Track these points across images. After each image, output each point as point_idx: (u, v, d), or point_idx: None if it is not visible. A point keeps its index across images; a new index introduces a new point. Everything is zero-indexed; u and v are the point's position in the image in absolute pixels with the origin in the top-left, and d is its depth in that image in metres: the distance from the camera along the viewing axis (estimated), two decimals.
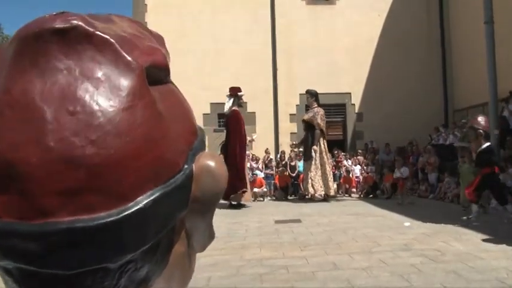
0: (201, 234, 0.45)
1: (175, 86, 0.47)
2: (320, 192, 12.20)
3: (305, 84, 16.03)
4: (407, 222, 7.76)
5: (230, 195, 11.33)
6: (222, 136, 17.79)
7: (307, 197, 12.66)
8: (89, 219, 0.35)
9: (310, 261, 5.30)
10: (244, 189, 11.39)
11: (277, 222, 8.57)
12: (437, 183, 13.24)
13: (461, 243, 5.98)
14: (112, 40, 0.39)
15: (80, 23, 0.38)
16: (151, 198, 0.37)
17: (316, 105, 12.53)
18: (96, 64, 0.38)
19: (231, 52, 17.27)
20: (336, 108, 18.06)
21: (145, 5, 17.39)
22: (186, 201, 0.41)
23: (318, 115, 12.26)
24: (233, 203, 11.45)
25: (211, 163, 0.43)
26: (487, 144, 7.33)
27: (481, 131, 7.23)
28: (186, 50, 16.94)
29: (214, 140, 17.78)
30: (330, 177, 12.42)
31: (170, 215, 0.39)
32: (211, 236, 0.46)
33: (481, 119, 7.38)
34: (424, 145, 15.40)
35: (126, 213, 0.36)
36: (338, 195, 14.07)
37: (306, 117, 12.55)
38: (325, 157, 12.30)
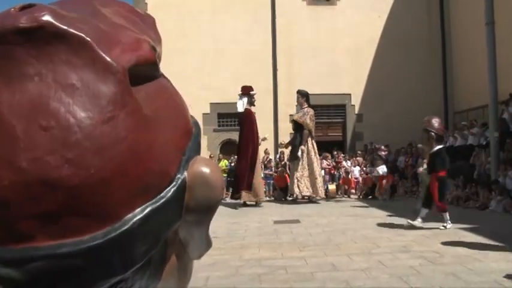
0: (196, 244, 0.42)
1: (166, 79, 0.43)
2: (305, 193, 12.12)
3: (305, 84, 16.00)
4: (406, 223, 7.75)
5: (242, 193, 11.44)
6: (222, 136, 17.85)
7: (290, 198, 12.61)
8: (72, 243, 0.32)
9: (309, 261, 5.30)
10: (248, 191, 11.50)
11: (276, 222, 8.56)
12: None
13: (460, 245, 5.98)
14: (88, 38, 0.34)
15: (50, 19, 0.34)
16: (140, 216, 0.34)
17: (306, 106, 12.49)
18: (71, 68, 0.34)
19: (231, 52, 17.27)
20: (336, 109, 18.07)
21: (146, 3, 17.39)
22: (179, 213, 0.38)
23: (308, 115, 12.21)
24: (248, 202, 11.58)
25: (206, 170, 0.39)
26: (439, 147, 7.30)
27: (433, 133, 7.19)
28: (185, 49, 16.95)
29: (213, 139, 17.79)
30: (320, 179, 12.31)
31: (161, 230, 0.36)
32: (208, 244, 0.43)
33: (434, 121, 7.34)
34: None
35: (112, 235, 0.33)
36: (337, 196, 14.07)
37: (296, 116, 12.52)
38: (313, 158, 12.19)
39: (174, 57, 16.50)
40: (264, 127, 17.30)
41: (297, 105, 17.42)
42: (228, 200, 12.34)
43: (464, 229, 7.16)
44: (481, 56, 12.54)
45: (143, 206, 0.35)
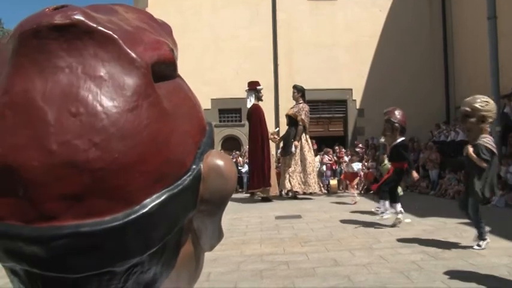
0: (209, 234, 0.44)
1: (183, 80, 0.45)
2: (297, 189, 12.05)
3: (306, 79, 15.98)
4: (408, 218, 7.73)
5: (257, 188, 11.52)
6: (224, 132, 17.85)
7: (286, 194, 12.57)
8: (93, 223, 0.34)
9: (311, 257, 5.30)
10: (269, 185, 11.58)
11: (277, 218, 8.56)
12: (438, 179, 13.23)
13: (462, 240, 5.97)
14: (115, 36, 0.37)
15: (81, 17, 0.37)
16: (158, 201, 0.37)
17: (302, 101, 12.45)
18: (99, 62, 0.37)
19: (231, 47, 17.25)
20: (337, 104, 18.05)
21: None
22: (194, 202, 0.40)
23: (303, 111, 12.17)
24: (262, 195, 11.71)
25: (220, 163, 0.42)
26: (401, 139, 7.25)
27: (397, 125, 7.13)
28: (186, 45, 16.91)
29: (215, 135, 17.62)
30: (313, 175, 12.22)
31: (177, 217, 0.39)
32: (220, 236, 0.46)
33: (397, 113, 7.25)
34: (425, 142, 15.38)
35: (132, 217, 0.35)
36: (339, 191, 14.06)
37: (290, 112, 12.45)
38: (306, 154, 12.12)
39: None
40: None
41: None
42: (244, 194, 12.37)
43: (466, 224, 7.15)
44: (483, 50, 12.50)
45: (161, 192, 0.37)
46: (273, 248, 5.85)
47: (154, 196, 0.36)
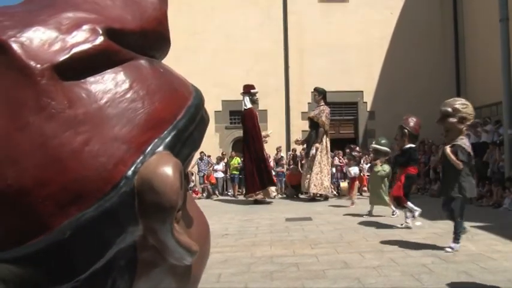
0: (167, 249, 0.38)
1: (147, 59, 0.39)
2: (315, 190, 12.15)
3: (317, 82, 15.95)
4: (419, 221, 7.70)
5: (252, 191, 11.55)
6: (234, 133, 17.87)
7: (303, 195, 12.59)
8: (3, 253, 0.32)
9: (321, 259, 5.30)
10: (269, 186, 11.59)
11: (288, 220, 8.57)
12: None
13: (473, 243, 5.93)
14: (10, 42, 0.33)
15: None
16: (75, 225, 0.33)
17: (323, 103, 12.52)
18: None
19: (242, 49, 17.27)
20: (348, 106, 18.00)
21: None
22: (131, 220, 0.35)
23: (324, 113, 12.25)
24: (256, 199, 11.74)
25: (153, 175, 0.35)
26: (409, 145, 7.34)
27: (406, 131, 7.24)
28: (197, 47, 17.00)
29: (226, 137, 17.82)
30: (328, 177, 12.35)
31: (108, 238, 0.34)
32: (185, 248, 0.38)
33: (411, 120, 7.44)
34: (437, 144, 15.28)
35: (41, 246, 0.32)
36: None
37: (312, 114, 12.55)
38: (323, 156, 12.21)
39: (185, 54, 16.55)
40: (275, 125, 17.33)
41: (309, 103, 17.46)
42: (241, 197, 12.39)
43: (478, 227, 7.11)
44: (495, 52, 12.40)
45: (79, 215, 0.33)
46: (283, 250, 5.86)
47: (70, 220, 0.33)
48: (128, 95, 0.36)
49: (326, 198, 12.43)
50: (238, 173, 15.50)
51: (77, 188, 0.33)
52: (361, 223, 7.88)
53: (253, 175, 11.57)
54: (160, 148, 0.36)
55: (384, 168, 8.58)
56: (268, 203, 11.62)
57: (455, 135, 5.46)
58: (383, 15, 17.63)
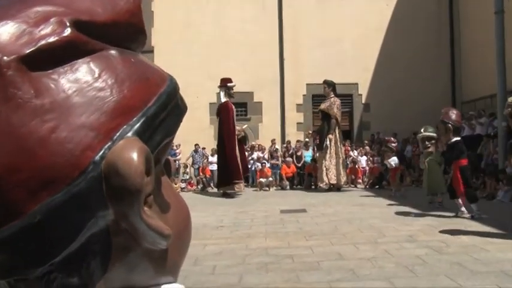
0: (138, 232, 0.38)
1: (117, 49, 0.40)
2: (333, 181, 12.28)
3: (312, 74, 15.98)
4: (413, 213, 7.75)
5: (222, 185, 11.56)
6: None
7: (323, 186, 12.58)
8: None
9: (315, 251, 5.32)
10: (236, 181, 11.52)
11: (282, 212, 8.59)
12: (444, 175, 13.19)
13: (466, 235, 5.98)
14: None
15: None
16: (45, 210, 0.34)
17: (333, 95, 12.62)
18: None
19: (238, 42, 17.22)
20: (343, 98, 17.94)
21: None
22: (100, 204, 0.36)
23: (335, 105, 12.40)
24: (227, 192, 11.72)
25: (118, 160, 0.36)
26: (456, 138, 7.34)
27: (450, 125, 7.23)
28: (192, 39, 16.94)
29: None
30: (342, 167, 12.55)
31: (79, 222, 0.35)
32: (156, 231, 0.39)
33: (452, 113, 7.43)
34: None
35: (14, 231, 0.34)
36: (344, 186, 14.10)
37: (323, 106, 12.60)
38: (339, 147, 12.39)
39: (180, 47, 16.50)
40: (270, 117, 17.35)
41: (304, 95, 17.45)
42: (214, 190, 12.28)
43: (471, 219, 7.16)
44: (490, 45, 12.42)
45: (49, 200, 0.34)
46: (278, 242, 5.88)
47: (41, 205, 0.34)
48: (96, 84, 0.37)
49: (339, 188, 12.49)
50: None
51: (46, 174, 0.34)
52: (355, 215, 7.91)
53: (224, 169, 11.56)
54: (129, 134, 0.37)
55: (438, 155, 8.53)
56: (233, 196, 11.52)
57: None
58: (378, 7, 17.61)
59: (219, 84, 12.17)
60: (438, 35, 17.91)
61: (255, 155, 15.33)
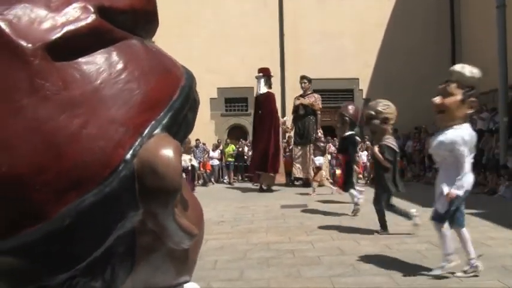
0: (167, 233, 0.37)
1: (138, 39, 0.38)
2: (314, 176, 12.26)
3: (312, 68, 15.91)
4: (414, 208, 7.74)
5: (257, 170, 11.48)
6: (230, 121, 17.85)
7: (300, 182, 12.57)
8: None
9: (316, 246, 5.32)
10: (271, 174, 11.49)
11: (283, 207, 8.59)
12: None
13: (467, 230, 5.97)
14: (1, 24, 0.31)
15: None
16: (73, 212, 0.32)
17: (311, 91, 12.61)
18: None
19: (238, 36, 17.19)
20: (344, 93, 17.98)
21: None
22: (132, 204, 0.34)
23: (319, 100, 12.38)
24: (264, 187, 11.60)
25: (155, 158, 0.34)
26: (350, 132, 7.46)
27: (347, 118, 7.38)
28: (192, 33, 16.90)
29: (221, 124, 17.79)
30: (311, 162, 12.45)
31: (109, 224, 0.33)
32: (185, 232, 0.37)
33: (350, 108, 7.67)
34: (432, 132, 15.32)
35: (41, 234, 0.31)
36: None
37: (307, 101, 12.50)
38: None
39: (180, 41, 16.45)
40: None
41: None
42: (237, 185, 12.34)
43: (472, 214, 7.15)
44: (491, 39, 12.38)
45: (78, 201, 0.32)
46: (279, 237, 5.88)
47: (69, 206, 0.32)
48: (123, 76, 0.35)
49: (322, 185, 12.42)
50: (233, 160, 15.51)
51: (75, 174, 0.32)
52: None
53: (268, 156, 11.28)
54: (158, 130, 0.35)
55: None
56: (271, 191, 11.51)
57: (381, 136, 5.70)
58: (379, 1, 17.55)
59: (257, 74, 11.99)
60: (439, 30, 17.85)
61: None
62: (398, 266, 4.35)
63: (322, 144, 12.00)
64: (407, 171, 14.39)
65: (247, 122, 17.61)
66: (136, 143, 0.34)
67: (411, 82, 17.15)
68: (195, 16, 17.07)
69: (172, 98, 0.37)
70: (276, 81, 17.60)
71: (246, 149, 16.07)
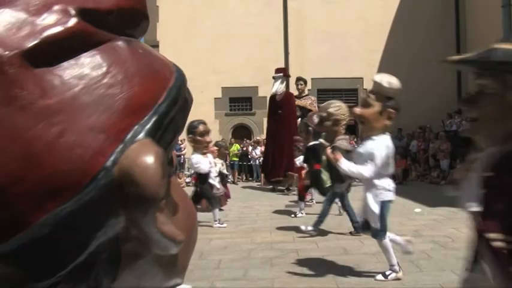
0: (151, 240, 0.36)
1: (125, 40, 0.36)
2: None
3: (317, 68, 15.92)
4: (418, 208, 7.73)
5: (274, 180, 11.36)
6: (234, 120, 17.85)
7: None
8: None
9: (320, 245, 5.33)
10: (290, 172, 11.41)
11: (287, 206, 8.59)
12: (449, 169, 13.17)
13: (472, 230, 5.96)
14: None
15: None
16: (51, 222, 0.31)
17: (306, 93, 12.54)
18: None
19: (242, 36, 17.19)
20: (348, 93, 17.96)
21: None
22: (112, 212, 0.34)
23: (315, 103, 12.22)
24: (290, 188, 11.47)
25: (133, 166, 0.33)
26: (314, 142, 7.42)
27: (310, 128, 7.31)
28: (197, 33, 16.91)
29: (225, 124, 17.80)
30: None
31: (88, 233, 0.33)
32: (169, 238, 0.36)
33: (315, 118, 7.54)
34: (436, 131, 15.30)
35: (19, 243, 0.31)
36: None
37: (303, 103, 12.37)
38: None
39: (185, 41, 16.47)
40: None
41: (309, 89, 17.37)
42: (241, 184, 12.31)
43: None
44: (496, 39, 12.31)
45: (57, 209, 0.31)
46: (283, 236, 5.89)
47: (49, 215, 0.31)
48: (105, 80, 0.34)
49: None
50: (237, 159, 15.52)
51: (54, 182, 0.31)
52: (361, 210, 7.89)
53: (282, 161, 11.21)
54: (141, 135, 0.34)
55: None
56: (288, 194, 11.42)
57: (333, 137, 5.67)
58: (384, 1, 17.52)
59: (275, 74, 11.88)
60: (443, 29, 17.80)
61: (258, 150, 15.32)
62: (403, 266, 4.35)
63: (301, 144, 11.99)
64: (412, 171, 14.36)
65: (252, 122, 17.62)
66: (118, 150, 0.33)
67: (416, 82, 17.08)
68: (200, 16, 17.08)
69: (157, 101, 0.36)
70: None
71: (250, 148, 16.08)
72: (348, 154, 5.75)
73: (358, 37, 17.42)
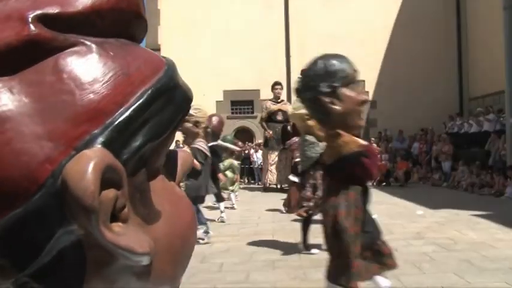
0: (108, 249, 0.34)
1: (84, 44, 0.35)
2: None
3: None
4: (420, 210, 7.72)
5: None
6: (236, 123, 17.86)
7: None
8: None
9: (323, 247, 5.32)
10: None
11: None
12: (451, 171, 13.16)
13: (474, 232, 5.95)
14: None
15: None
16: (2, 227, 0.32)
17: (282, 99, 12.64)
18: None
19: (244, 39, 17.22)
20: None
21: None
22: (59, 221, 0.33)
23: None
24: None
25: (67, 175, 0.32)
26: (214, 143, 7.47)
27: (209, 129, 7.34)
28: (199, 37, 16.95)
29: (227, 127, 17.79)
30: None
31: (39, 241, 0.33)
32: (126, 250, 0.34)
33: (214, 119, 7.72)
34: (438, 133, 15.29)
35: None
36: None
37: (286, 108, 12.29)
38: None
39: (187, 44, 16.51)
40: None
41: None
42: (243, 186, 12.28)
43: (479, 216, 7.12)
44: (498, 41, 12.35)
45: (8, 216, 0.32)
46: (285, 239, 5.88)
47: (1, 221, 0.32)
48: (60, 87, 0.33)
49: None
50: (240, 162, 15.51)
51: (4, 188, 0.31)
52: None
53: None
54: (96, 143, 0.33)
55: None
56: None
57: (193, 139, 5.68)
58: (385, 4, 17.53)
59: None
60: (445, 32, 17.81)
61: (259, 153, 15.31)
62: (405, 269, 4.34)
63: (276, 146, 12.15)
64: (414, 173, 14.34)
65: (253, 125, 17.62)
66: (67, 158, 0.32)
67: (417, 84, 17.11)
68: (202, 19, 17.11)
69: (122, 106, 0.35)
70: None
71: (252, 151, 16.07)
72: (207, 157, 5.84)
73: (360, 40, 17.42)
